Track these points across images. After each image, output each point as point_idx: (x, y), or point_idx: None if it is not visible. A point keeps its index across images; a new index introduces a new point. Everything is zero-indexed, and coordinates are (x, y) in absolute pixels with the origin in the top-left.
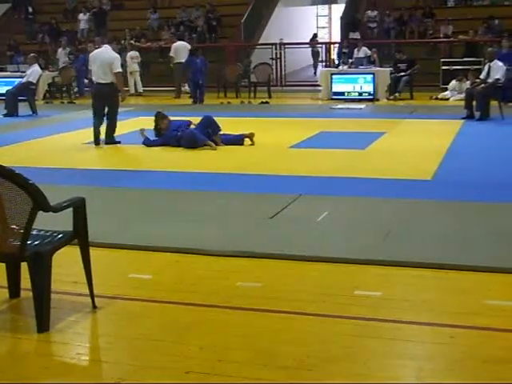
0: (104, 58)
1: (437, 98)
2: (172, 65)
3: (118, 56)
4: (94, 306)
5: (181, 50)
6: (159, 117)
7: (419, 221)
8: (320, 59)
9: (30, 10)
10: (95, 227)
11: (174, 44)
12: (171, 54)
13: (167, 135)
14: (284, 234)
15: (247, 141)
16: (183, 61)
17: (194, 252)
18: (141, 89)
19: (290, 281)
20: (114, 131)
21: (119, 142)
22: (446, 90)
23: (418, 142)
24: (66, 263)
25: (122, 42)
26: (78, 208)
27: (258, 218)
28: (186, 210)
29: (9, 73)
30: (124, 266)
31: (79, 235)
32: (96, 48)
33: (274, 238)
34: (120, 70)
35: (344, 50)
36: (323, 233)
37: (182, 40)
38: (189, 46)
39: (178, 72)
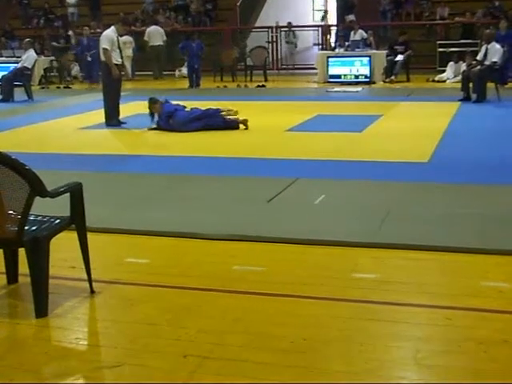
0: (101, 39)
1: (433, 81)
2: (148, 48)
3: (106, 34)
4: (92, 291)
5: (154, 34)
6: (151, 102)
7: (416, 203)
8: (316, 42)
9: None
10: (92, 212)
11: (148, 29)
12: (145, 38)
13: (161, 119)
14: (281, 218)
15: (241, 126)
16: (157, 44)
17: (190, 236)
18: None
19: (288, 264)
20: (110, 113)
21: (120, 124)
22: (443, 72)
23: (415, 124)
24: (63, 248)
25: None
26: (75, 193)
27: (255, 202)
28: (183, 195)
29: (4, 58)
30: (121, 250)
31: (76, 220)
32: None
33: (271, 222)
34: (105, 46)
35: (340, 33)
36: (320, 216)
37: (156, 25)
38: (161, 31)
39: (153, 55)
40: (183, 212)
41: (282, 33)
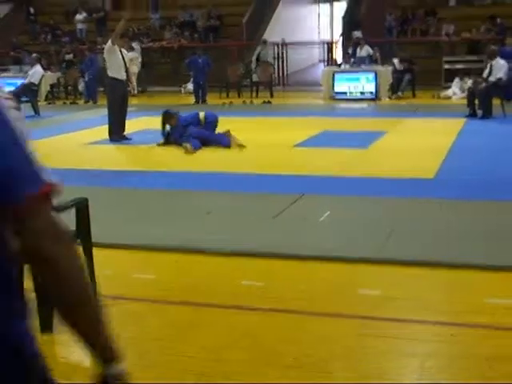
0: (105, 54)
1: (439, 97)
2: None
3: (107, 46)
4: None
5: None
6: (167, 116)
7: (421, 219)
8: (322, 58)
9: (32, 10)
10: (98, 227)
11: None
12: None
13: (176, 131)
14: (287, 234)
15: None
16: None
17: (196, 251)
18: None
19: (293, 280)
20: (113, 128)
21: (127, 139)
22: (449, 88)
23: (420, 140)
24: None
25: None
26: (81, 208)
27: (260, 218)
28: (188, 210)
29: (12, 73)
30: (127, 265)
31: (82, 235)
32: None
33: (276, 238)
34: (114, 61)
35: (346, 50)
36: (326, 232)
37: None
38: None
39: None
40: (189, 227)
41: (289, 49)
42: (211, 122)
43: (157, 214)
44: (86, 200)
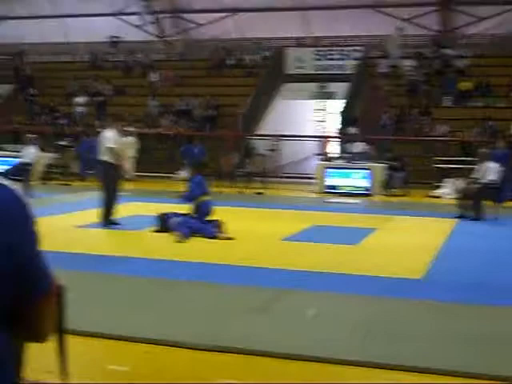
0: (101, 138)
1: (431, 196)
2: None
3: (108, 135)
4: None
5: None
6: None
7: (405, 321)
8: (316, 152)
9: (33, 91)
10: (76, 314)
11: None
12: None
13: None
14: (269, 330)
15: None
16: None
17: (174, 345)
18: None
19: (270, 379)
20: (105, 213)
21: (115, 224)
22: (441, 188)
23: (411, 239)
24: (40, 351)
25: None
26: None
27: (244, 312)
28: (170, 300)
29: (8, 152)
30: (101, 355)
31: (55, 323)
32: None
33: (257, 334)
34: (110, 145)
35: (340, 145)
36: (308, 329)
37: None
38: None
39: None
40: (168, 318)
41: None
42: (204, 211)
43: (138, 302)
44: (63, 288)
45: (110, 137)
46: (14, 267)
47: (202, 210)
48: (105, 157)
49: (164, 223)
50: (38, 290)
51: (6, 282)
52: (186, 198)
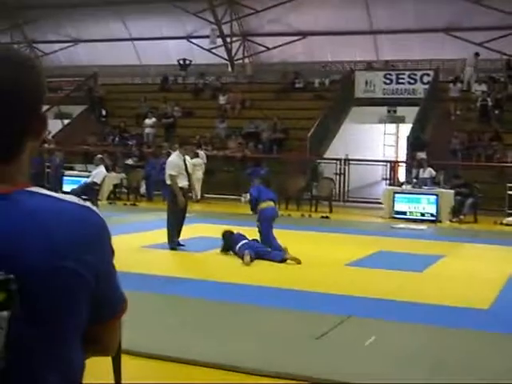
0: (167, 162)
1: (502, 224)
2: None
3: (171, 160)
4: None
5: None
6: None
7: (470, 354)
8: (384, 177)
9: (104, 112)
10: (133, 334)
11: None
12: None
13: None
14: (327, 357)
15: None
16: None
17: (230, 369)
18: (198, 196)
19: None
20: (171, 235)
21: (181, 245)
22: None
23: (478, 267)
24: (96, 373)
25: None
26: None
27: (303, 338)
28: (229, 323)
29: (77, 172)
30: (157, 377)
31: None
32: (166, 153)
33: (316, 361)
34: (170, 172)
35: (409, 170)
36: (368, 360)
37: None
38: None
39: None
40: (225, 341)
41: (351, 165)
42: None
43: (196, 325)
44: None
45: (171, 162)
46: (96, 288)
47: (266, 215)
48: (169, 181)
49: (228, 241)
50: (114, 310)
51: (88, 301)
52: (250, 203)
